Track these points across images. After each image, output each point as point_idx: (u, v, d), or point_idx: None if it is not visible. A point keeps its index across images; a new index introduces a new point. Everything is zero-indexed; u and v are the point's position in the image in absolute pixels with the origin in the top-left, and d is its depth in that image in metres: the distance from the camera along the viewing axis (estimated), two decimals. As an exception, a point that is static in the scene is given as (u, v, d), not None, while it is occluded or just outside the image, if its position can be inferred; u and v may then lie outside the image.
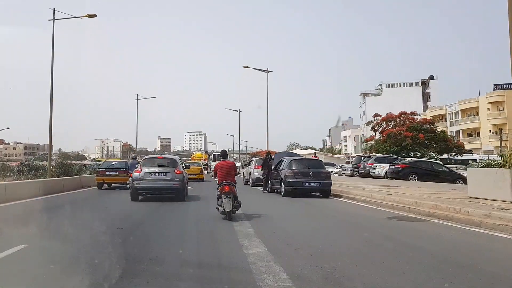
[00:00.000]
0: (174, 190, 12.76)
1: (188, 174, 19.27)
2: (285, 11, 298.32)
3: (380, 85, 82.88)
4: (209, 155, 61.06)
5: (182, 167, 14.95)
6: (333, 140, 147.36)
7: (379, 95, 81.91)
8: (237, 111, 50.32)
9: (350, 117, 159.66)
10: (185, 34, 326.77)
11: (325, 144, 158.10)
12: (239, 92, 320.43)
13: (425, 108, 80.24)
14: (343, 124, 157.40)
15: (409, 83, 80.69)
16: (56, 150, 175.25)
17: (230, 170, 9.03)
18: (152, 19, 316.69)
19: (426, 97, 79.58)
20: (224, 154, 10.61)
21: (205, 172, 37.74)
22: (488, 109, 52.68)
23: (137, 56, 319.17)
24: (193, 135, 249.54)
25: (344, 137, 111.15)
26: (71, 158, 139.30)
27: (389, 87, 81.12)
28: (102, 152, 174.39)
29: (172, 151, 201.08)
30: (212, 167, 37.86)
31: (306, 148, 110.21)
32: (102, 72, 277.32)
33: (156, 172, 12.81)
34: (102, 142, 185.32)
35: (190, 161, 41.27)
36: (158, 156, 15.85)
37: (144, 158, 15.91)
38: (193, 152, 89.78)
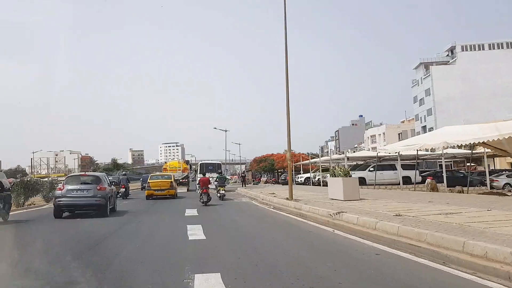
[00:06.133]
0: (95, 206, 12.91)
1: (154, 190, 21.79)
2: None
3: (451, 49, 54.68)
4: (191, 166, 47.25)
5: (108, 183, 14.31)
6: (342, 144, 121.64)
7: (448, 64, 53.83)
8: (224, 130, 42.88)
9: (361, 116, 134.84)
10: (163, 42, 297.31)
11: (324, 150, 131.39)
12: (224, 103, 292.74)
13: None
14: (352, 124, 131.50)
15: (497, 44, 52.85)
16: (14, 166, 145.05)
17: (207, 182, 17.75)
18: (125, 31, 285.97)
19: (524, 63, 52.21)
20: (204, 173, 21.56)
21: (184, 189, 32.42)
22: None
23: (108, 66, 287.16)
24: (169, 146, 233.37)
25: (370, 136, 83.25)
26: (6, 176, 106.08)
27: (465, 50, 52.98)
28: (56, 167, 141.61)
29: (145, 164, 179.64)
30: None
31: (309, 154, 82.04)
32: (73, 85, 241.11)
33: (78, 189, 12.87)
34: (56, 155, 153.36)
35: (159, 173, 29.97)
36: (82, 173, 16.00)
37: (68, 176, 16.37)
38: (166, 161, 61.64)
